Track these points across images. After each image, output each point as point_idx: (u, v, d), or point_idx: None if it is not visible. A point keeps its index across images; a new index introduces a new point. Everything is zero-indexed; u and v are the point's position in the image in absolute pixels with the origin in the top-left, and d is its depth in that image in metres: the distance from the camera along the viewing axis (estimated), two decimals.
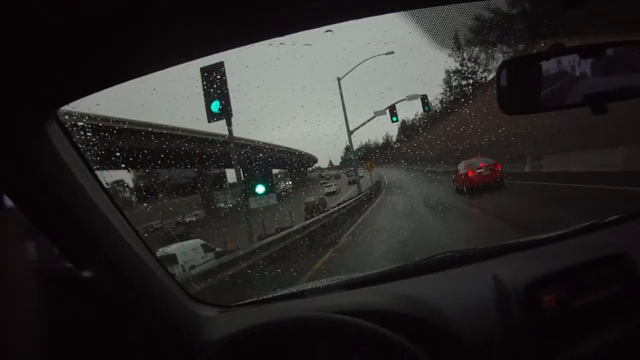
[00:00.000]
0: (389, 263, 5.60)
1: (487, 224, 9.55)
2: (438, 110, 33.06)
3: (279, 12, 0.95)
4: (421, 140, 32.48)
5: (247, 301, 1.85)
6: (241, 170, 16.21)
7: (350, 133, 22.41)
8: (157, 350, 1.43)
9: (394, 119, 21.40)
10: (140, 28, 0.87)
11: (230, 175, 24.88)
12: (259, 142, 22.89)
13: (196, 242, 11.78)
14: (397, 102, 21.14)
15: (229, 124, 13.08)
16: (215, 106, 11.81)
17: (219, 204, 26.33)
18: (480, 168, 14.06)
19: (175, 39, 0.96)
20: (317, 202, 19.61)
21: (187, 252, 10.72)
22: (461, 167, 15.10)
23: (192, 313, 1.57)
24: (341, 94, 21.68)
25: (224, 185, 26.82)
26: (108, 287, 1.32)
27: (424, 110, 22.88)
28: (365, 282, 1.78)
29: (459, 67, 32.21)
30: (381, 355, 1.30)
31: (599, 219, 1.82)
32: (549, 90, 1.22)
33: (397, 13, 1.12)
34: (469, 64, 31.67)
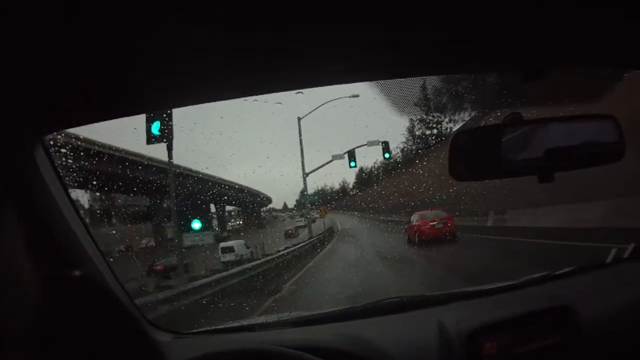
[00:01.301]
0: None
1: (437, 275, 9.42)
2: (398, 160, 33.20)
3: (256, 76, 1.05)
4: (376, 193, 32.80)
5: (200, 330, 1.87)
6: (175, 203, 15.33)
7: (305, 175, 22.05)
8: None
9: (352, 163, 21.27)
10: (124, 77, 0.94)
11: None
12: (213, 176, 22.85)
13: (241, 241, 19.92)
14: (356, 147, 21.33)
15: (169, 148, 12.47)
16: (156, 127, 11.23)
17: (169, 236, 25.69)
18: (434, 221, 14.11)
19: (155, 90, 1.04)
20: (292, 231, 27.90)
21: (238, 245, 18.78)
22: (414, 218, 15.03)
23: (148, 336, 1.57)
24: (300, 133, 21.64)
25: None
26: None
27: (384, 157, 22.73)
28: (314, 321, 1.82)
29: (424, 117, 32.53)
30: None
31: (551, 271, 1.91)
32: (499, 159, 1.28)
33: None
34: (435, 114, 32.06)
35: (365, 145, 21.58)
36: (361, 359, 1.44)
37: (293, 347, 1.38)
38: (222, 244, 19.54)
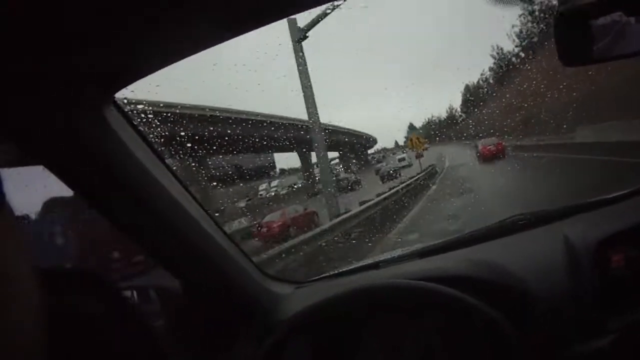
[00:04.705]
0: None
1: None
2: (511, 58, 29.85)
3: None
4: (490, 112, 30.22)
5: (322, 276, 1.90)
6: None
7: (297, 38, 11.62)
8: (235, 328, 1.52)
9: None
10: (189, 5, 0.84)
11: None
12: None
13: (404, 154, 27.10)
14: None
15: None
16: None
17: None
18: (490, 145, 19.43)
19: (227, 12, 0.92)
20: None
21: (407, 155, 25.59)
22: (479, 144, 20.61)
23: (268, 291, 1.64)
24: None
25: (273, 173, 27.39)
26: (183, 270, 1.41)
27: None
28: (439, 250, 1.78)
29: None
30: (460, 320, 1.31)
31: None
32: (607, 40, 1.16)
33: None
34: None
35: None
36: (488, 282, 1.40)
37: (420, 279, 1.37)
38: (399, 155, 27.68)
